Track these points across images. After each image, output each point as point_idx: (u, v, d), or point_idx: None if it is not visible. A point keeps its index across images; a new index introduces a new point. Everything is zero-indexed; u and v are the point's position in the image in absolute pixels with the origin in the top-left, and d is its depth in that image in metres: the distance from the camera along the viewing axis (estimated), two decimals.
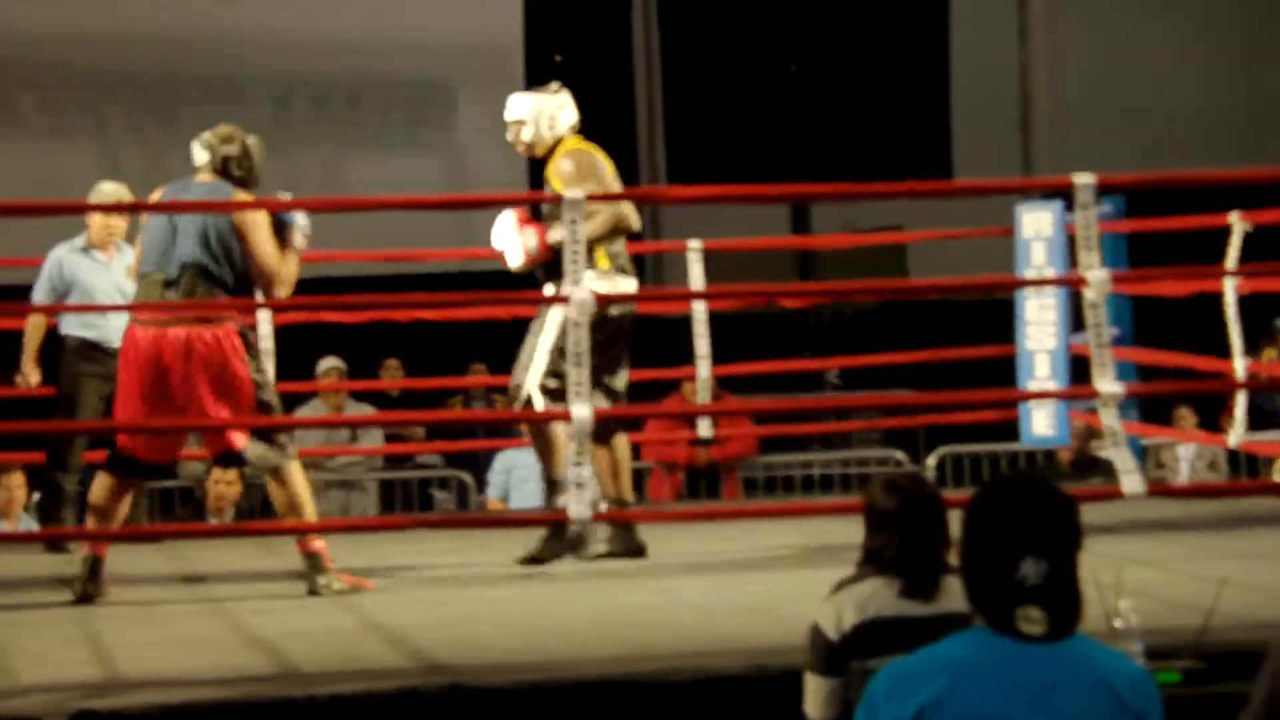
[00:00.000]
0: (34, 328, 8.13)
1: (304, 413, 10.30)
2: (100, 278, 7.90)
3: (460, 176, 13.15)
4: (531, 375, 6.94)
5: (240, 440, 6.42)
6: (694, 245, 9.55)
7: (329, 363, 10.36)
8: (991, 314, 9.82)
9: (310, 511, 6.50)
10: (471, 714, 4.49)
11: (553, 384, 6.89)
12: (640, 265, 13.41)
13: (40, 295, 8.03)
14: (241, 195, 6.50)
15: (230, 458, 6.63)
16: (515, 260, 7.05)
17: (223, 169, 6.57)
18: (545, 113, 7.10)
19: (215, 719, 4.38)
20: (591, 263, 6.77)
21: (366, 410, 10.60)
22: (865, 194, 10.16)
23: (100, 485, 6.50)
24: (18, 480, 8.72)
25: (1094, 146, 13.30)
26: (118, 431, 6.56)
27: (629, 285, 7.00)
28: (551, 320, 6.94)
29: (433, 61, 13.17)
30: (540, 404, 6.92)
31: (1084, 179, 6.69)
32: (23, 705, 4.37)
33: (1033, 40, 14.34)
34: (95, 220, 7.98)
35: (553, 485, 7.05)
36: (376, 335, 10.28)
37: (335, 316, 9.58)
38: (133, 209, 6.54)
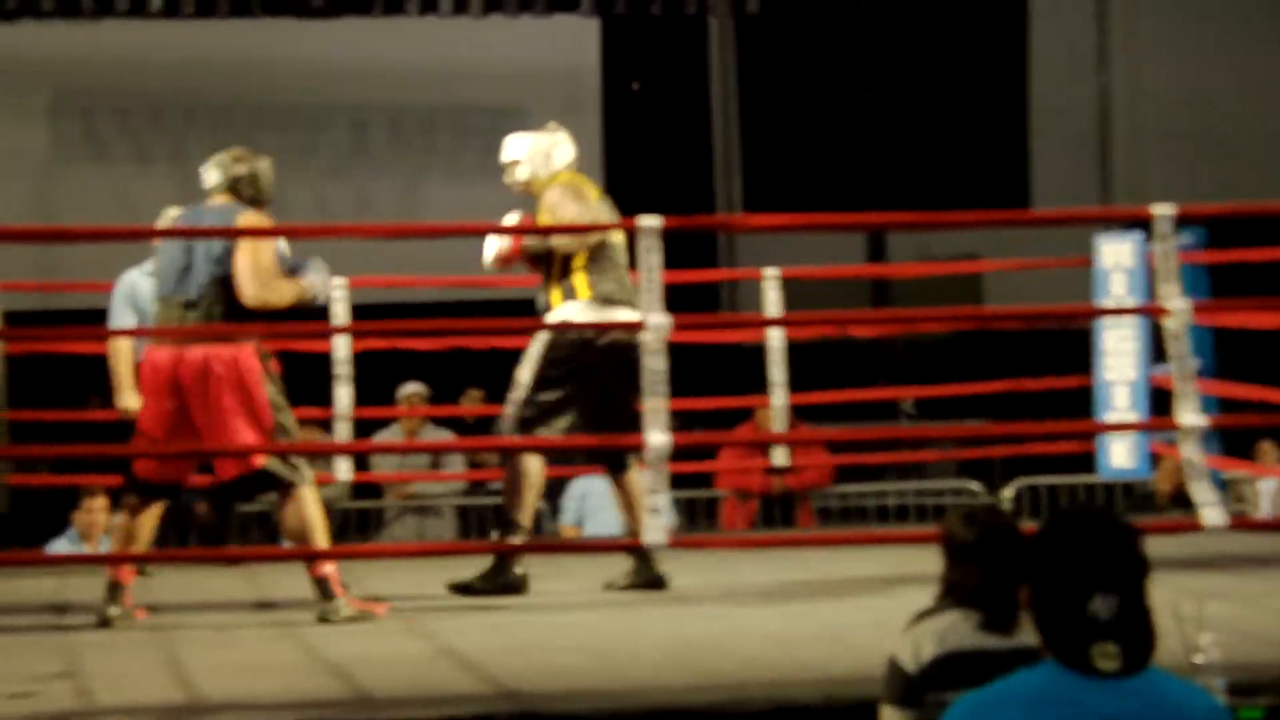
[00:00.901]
0: (123, 352, 8.13)
1: (382, 437, 10.33)
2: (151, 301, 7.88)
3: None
4: (508, 406, 6.95)
5: (260, 460, 6.45)
6: (770, 273, 9.54)
7: (410, 388, 10.39)
8: (1069, 345, 9.77)
9: (322, 536, 6.50)
10: None
11: (529, 413, 6.89)
12: (715, 293, 13.52)
13: (121, 319, 8.07)
14: (250, 215, 6.54)
15: (250, 486, 6.67)
16: (486, 256, 7.11)
17: (233, 189, 6.63)
18: (540, 151, 7.15)
19: None
20: (574, 294, 6.89)
21: (446, 437, 10.62)
22: (941, 223, 10.15)
23: (124, 513, 6.56)
24: (100, 503, 8.78)
25: (1174, 174, 13.22)
26: (136, 455, 6.60)
27: (618, 317, 6.92)
28: (531, 352, 6.96)
29: (509, 88, 13.21)
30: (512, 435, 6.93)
31: (1163, 210, 6.63)
32: None
33: (1112, 66, 14.24)
34: None
35: (505, 525, 6.96)
36: (458, 362, 10.30)
37: (408, 343, 9.62)
38: (187, 234, 6.57)
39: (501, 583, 6.80)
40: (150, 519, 6.55)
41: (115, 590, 6.43)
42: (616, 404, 6.93)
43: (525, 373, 6.95)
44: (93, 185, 12.67)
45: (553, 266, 7.01)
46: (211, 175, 6.67)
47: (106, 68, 12.70)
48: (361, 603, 6.46)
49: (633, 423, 6.67)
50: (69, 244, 10.64)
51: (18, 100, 12.75)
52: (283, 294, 6.52)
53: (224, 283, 6.45)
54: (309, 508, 6.46)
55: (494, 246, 7.14)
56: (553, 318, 6.96)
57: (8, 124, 12.69)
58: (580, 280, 6.96)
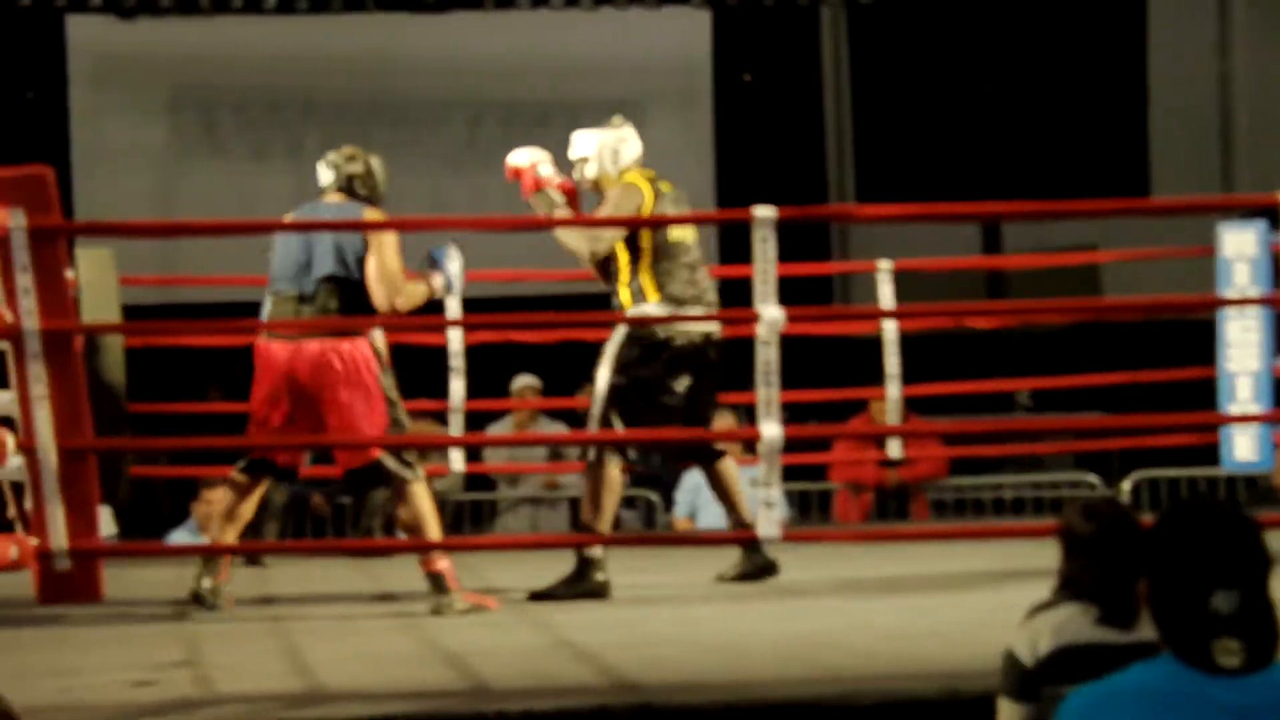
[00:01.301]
0: None
1: (495, 430, 10.38)
2: None
3: None
4: (593, 409, 6.91)
5: (375, 454, 6.50)
6: (884, 265, 9.50)
7: (523, 380, 10.42)
8: (1189, 336, 9.67)
9: (435, 531, 6.54)
10: None
11: (610, 417, 6.83)
12: (828, 285, 13.47)
13: None
14: (371, 212, 6.60)
15: (364, 478, 6.73)
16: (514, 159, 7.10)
17: (348, 187, 6.69)
18: (608, 148, 7.08)
19: None
20: (643, 295, 6.85)
21: (560, 429, 10.65)
22: (1059, 213, 10.04)
23: (230, 489, 6.69)
24: (218, 495, 8.87)
25: None
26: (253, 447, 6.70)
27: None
28: (606, 355, 6.92)
29: (622, 81, 13.21)
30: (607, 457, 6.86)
31: None
32: (221, 716, 4.43)
33: (1234, 52, 14.04)
34: None
35: (581, 529, 6.93)
36: (571, 355, 10.32)
37: (525, 336, 9.66)
38: (307, 228, 6.64)
39: (584, 589, 6.71)
40: (254, 499, 6.67)
41: (211, 565, 6.56)
42: (700, 403, 6.89)
43: (601, 378, 6.87)
44: (211, 181, 12.80)
45: (617, 268, 6.95)
46: (325, 174, 6.73)
47: (224, 64, 12.82)
48: (475, 596, 6.50)
49: (710, 419, 6.69)
50: (188, 238, 10.77)
51: (137, 97, 12.90)
52: (412, 297, 6.58)
53: (341, 280, 6.51)
54: (422, 503, 6.50)
55: (525, 155, 7.09)
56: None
57: (128, 120, 12.84)
58: (648, 282, 6.90)
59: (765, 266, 6.36)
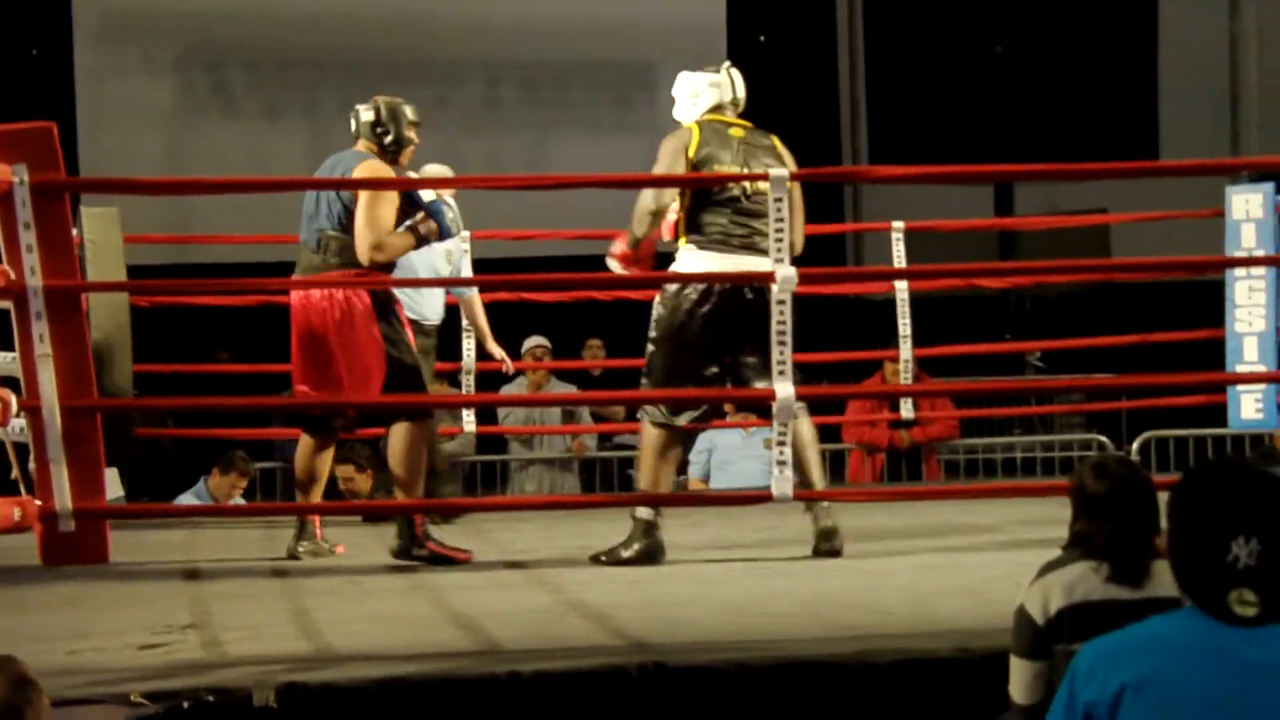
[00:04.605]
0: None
1: (507, 391, 10.38)
2: (418, 257, 7.89)
3: None
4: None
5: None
6: (897, 226, 9.49)
7: (534, 341, 10.42)
8: (1198, 297, 9.66)
9: (416, 474, 6.68)
10: (677, 693, 4.49)
11: (654, 377, 6.79)
12: (841, 245, 13.46)
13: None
14: (368, 165, 6.71)
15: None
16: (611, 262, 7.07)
17: (370, 135, 6.88)
18: (689, 90, 7.02)
19: (419, 694, 4.41)
20: (685, 242, 6.80)
21: (570, 390, 10.66)
22: (1069, 174, 10.04)
23: (302, 450, 6.88)
24: (238, 482, 8.96)
25: None
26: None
27: (716, 260, 6.74)
28: (653, 311, 6.88)
29: (638, 42, 13.20)
30: (644, 415, 6.86)
31: None
32: (231, 677, 4.43)
33: (1244, 13, 14.00)
34: None
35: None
36: (580, 314, 10.32)
37: (537, 296, 9.65)
38: (314, 185, 6.74)
39: (636, 553, 6.67)
40: (327, 457, 6.91)
41: (304, 528, 6.85)
42: (745, 352, 6.77)
43: (650, 336, 6.85)
44: (223, 139, 12.77)
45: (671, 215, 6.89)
46: (353, 125, 6.92)
47: (236, 22, 12.78)
48: (444, 548, 6.66)
49: (764, 370, 6.56)
50: (199, 195, 10.75)
51: (148, 54, 12.84)
52: (392, 250, 6.69)
53: (338, 231, 6.67)
54: (401, 442, 6.64)
55: (617, 251, 7.06)
56: (673, 267, 6.87)
57: (138, 78, 12.79)
58: (687, 227, 6.82)
59: (779, 226, 6.35)
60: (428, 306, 8.10)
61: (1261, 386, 8.22)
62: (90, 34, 12.76)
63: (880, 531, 7.31)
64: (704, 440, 10.21)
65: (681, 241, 6.82)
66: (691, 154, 6.78)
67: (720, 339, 6.74)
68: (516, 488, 10.63)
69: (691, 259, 6.77)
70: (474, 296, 8.70)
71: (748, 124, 6.97)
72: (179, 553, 7.12)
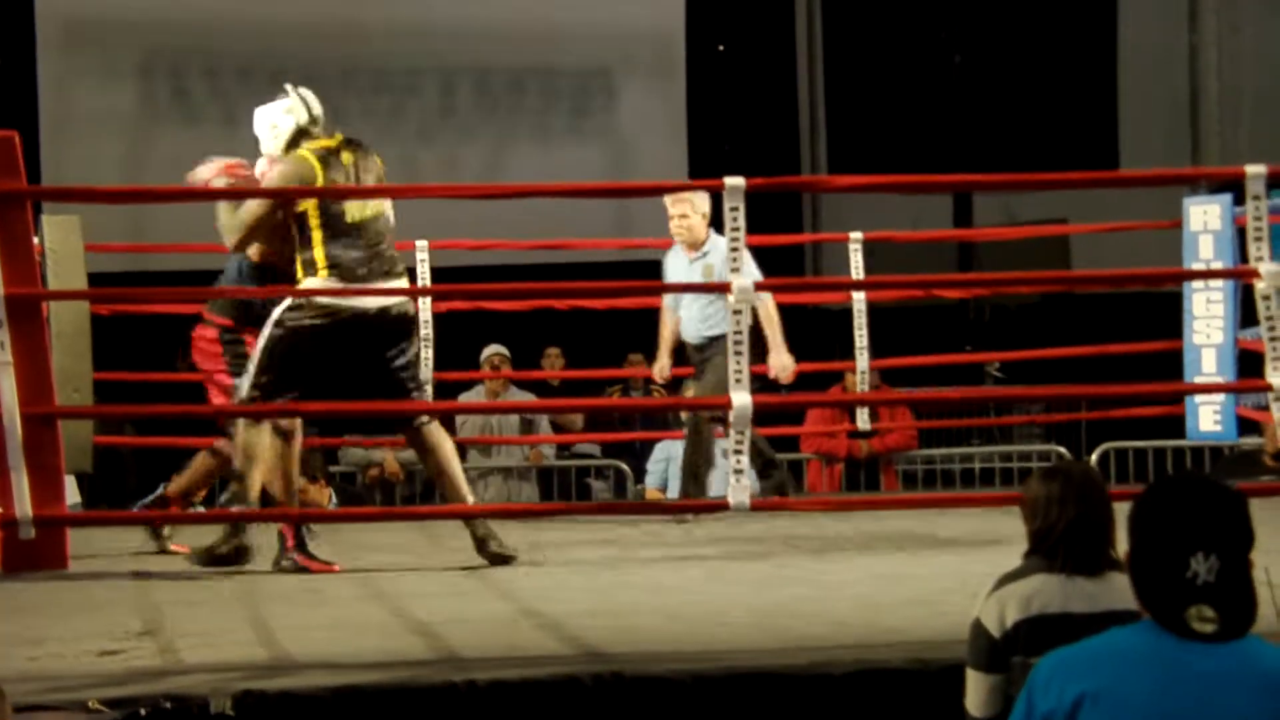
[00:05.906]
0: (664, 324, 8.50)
1: (466, 399, 10.36)
2: (679, 275, 8.05)
3: (622, 165, 13.17)
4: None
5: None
6: (855, 236, 9.51)
7: (492, 349, 10.40)
8: (1157, 308, 9.69)
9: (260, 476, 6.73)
10: (631, 703, 4.49)
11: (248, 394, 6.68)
12: (799, 256, 13.48)
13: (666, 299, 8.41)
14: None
15: None
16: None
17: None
18: (268, 123, 6.96)
19: (377, 701, 4.40)
20: (314, 268, 6.62)
21: (528, 399, 10.65)
22: (1028, 184, 10.06)
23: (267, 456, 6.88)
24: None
25: (1266, 135, 13.06)
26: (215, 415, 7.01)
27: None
28: (260, 338, 6.79)
29: (596, 50, 13.21)
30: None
31: (1255, 170, 6.59)
32: (189, 684, 4.42)
33: (1203, 24, 14.06)
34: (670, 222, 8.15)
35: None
36: (538, 323, 10.31)
37: (495, 305, 9.64)
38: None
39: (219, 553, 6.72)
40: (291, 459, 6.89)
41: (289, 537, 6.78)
42: (387, 375, 6.73)
43: (253, 359, 6.66)
44: (182, 147, 12.68)
45: (289, 236, 6.72)
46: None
47: (196, 28, 12.74)
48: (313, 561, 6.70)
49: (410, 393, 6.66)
50: (157, 204, 10.71)
51: (108, 61, 12.80)
52: (234, 230, 6.78)
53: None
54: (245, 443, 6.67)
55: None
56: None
57: (98, 85, 12.75)
58: (319, 253, 6.63)
59: (736, 236, 6.36)
60: None
61: (1220, 398, 8.26)
62: (53, 42, 12.72)
63: (837, 541, 7.31)
64: (662, 449, 10.21)
65: (324, 275, 6.63)
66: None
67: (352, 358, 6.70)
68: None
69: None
70: None
71: (345, 140, 6.82)
72: (137, 560, 7.08)
